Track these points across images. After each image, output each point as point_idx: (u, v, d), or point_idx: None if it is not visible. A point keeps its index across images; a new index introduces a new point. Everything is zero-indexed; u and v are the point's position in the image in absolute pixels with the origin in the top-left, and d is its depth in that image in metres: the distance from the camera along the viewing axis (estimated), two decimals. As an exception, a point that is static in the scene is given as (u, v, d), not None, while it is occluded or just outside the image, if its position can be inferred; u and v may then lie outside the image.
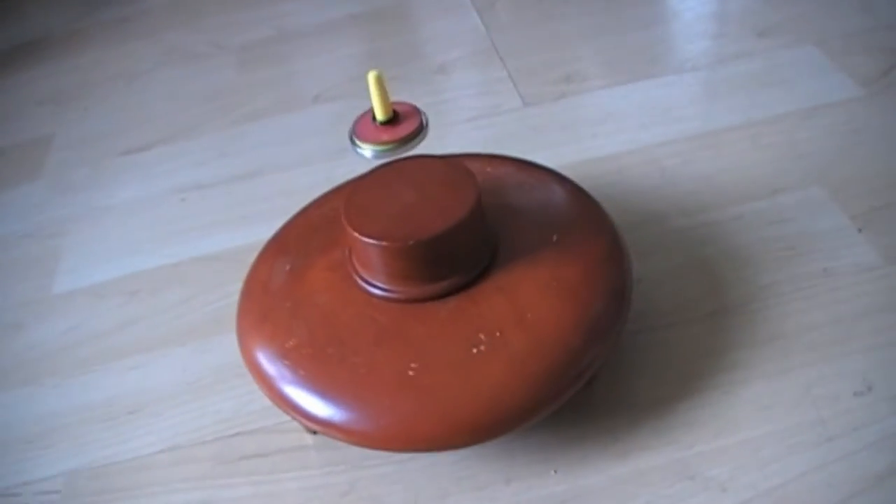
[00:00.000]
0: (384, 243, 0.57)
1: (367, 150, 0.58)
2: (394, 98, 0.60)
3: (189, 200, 0.93)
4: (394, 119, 0.58)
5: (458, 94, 1.02)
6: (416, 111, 0.59)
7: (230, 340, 0.67)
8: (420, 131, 0.58)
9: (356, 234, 0.59)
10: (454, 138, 0.94)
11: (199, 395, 0.71)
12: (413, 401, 0.55)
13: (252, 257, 0.71)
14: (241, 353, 0.63)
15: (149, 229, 0.90)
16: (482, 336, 0.57)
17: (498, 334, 0.57)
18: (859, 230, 0.73)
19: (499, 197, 0.68)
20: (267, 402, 0.63)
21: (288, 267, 0.66)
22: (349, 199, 0.62)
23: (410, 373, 0.56)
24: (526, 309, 0.58)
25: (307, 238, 0.68)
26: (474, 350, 0.56)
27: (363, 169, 0.64)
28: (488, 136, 0.94)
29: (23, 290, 0.86)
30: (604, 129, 0.91)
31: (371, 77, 0.56)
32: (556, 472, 0.60)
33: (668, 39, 1.06)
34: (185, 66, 1.21)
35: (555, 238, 0.63)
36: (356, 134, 0.58)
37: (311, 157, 0.96)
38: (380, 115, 0.58)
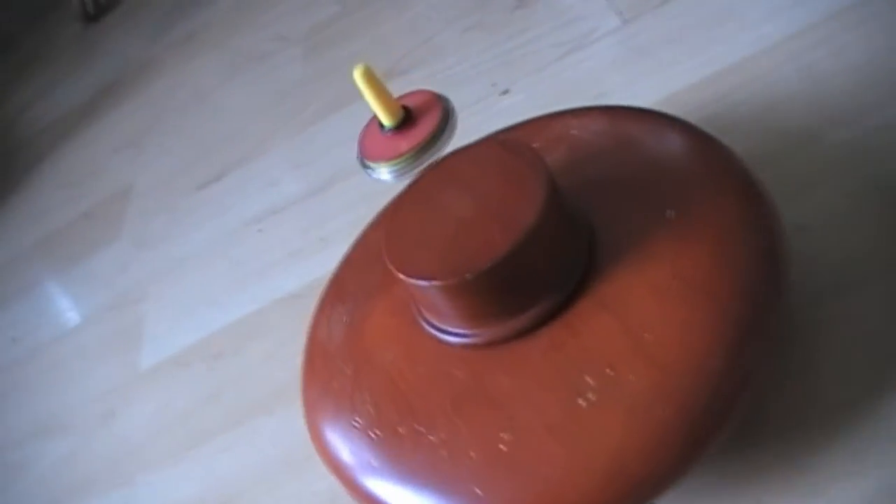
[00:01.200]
0: (435, 282, 0.43)
1: (383, 172, 0.44)
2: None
3: (266, 230, 0.83)
4: (407, 119, 0.43)
5: (542, 29, 0.85)
6: (433, 99, 0.45)
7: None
8: (445, 124, 0.43)
9: (401, 276, 0.45)
10: (543, 87, 0.78)
11: (293, 474, 0.60)
12: (510, 485, 0.41)
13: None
14: (309, 436, 0.52)
15: (227, 274, 0.81)
16: (589, 379, 0.42)
17: (609, 372, 0.42)
18: None
19: (590, 168, 0.52)
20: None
21: (346, 318, 0.53)
22: (389, 225, 0.48)
23: (502, 446, 0.42)
24: (642, 327, 0.43)
25: (365, 274, 0.55)
26: (581, 402, 0.42)
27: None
28: (584, 74, 0.77)
29: (112, 372, 0.80)
30: (723, 31, 0.71)
31: (357, 75, 0.41)
32: (730, 526, 0.45)
33: None
34: (251, 70, 1.10)
35: (670, 214, 0.47)
36: (364, 153, 0.44)
37: (387, 148, 0.83)
38: (387, 120, 0.43)
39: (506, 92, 0.79)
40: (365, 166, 0.44)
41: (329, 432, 0.49)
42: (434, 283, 0.43)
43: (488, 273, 0.42)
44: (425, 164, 0.44)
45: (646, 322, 0.43)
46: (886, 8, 0.64)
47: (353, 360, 0.51)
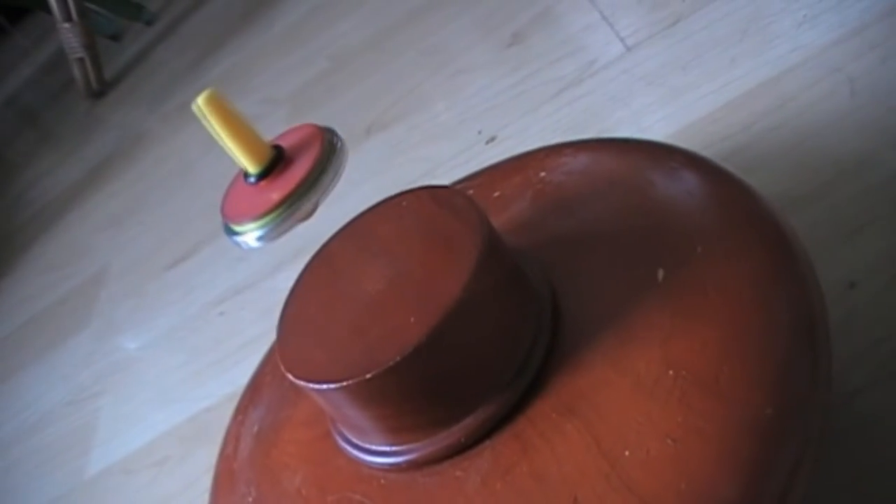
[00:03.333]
0: (327, 385, 0.32)
1: (249, 235, 0.32)
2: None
3: (227, 313, 0.73)
4: (278, 161, 0.32)
5: (537, 65, 0.74)
6: (315, 133, 0.33)
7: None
8: (326, 163, 0.32)
9: (290, 377, 0.33)
10: (535, 130, 0.66)
11: None
12: None
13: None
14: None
15: (184, 366, 0.71)
16: (543, 519, 0.29)
17: (573, 509, 0.29)
18: None
19: (560, 220, 0.40)
20: None
21: (256, 428, 0.42)
22: (285, 309, 0.36)
23: None
24: (621, 441, 0.30)
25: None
26: (532, 554, 0.29)
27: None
28: (581, 111, 0.65)
29: (58, 480, 0.71)
30: (745, 48, 0.59)
31: (201, 105, 0.30)
32: None
33: None
34: (237, 137, 1.01)
35: (660, 275, 0.34)
36: (228, 215, 0.33)
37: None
38: (250, 166, 0.32)
39: (492, 140, 0.68)
40: (229, 231, 0.33)
41: (224, 587, 0.37)
42: (327, 385, 0.31)
43: (397, 370, 0.30)
44: (303, 220, 0.32)
45: (626, 434, 0.30)
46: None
47: (257, 482, 0.39)
